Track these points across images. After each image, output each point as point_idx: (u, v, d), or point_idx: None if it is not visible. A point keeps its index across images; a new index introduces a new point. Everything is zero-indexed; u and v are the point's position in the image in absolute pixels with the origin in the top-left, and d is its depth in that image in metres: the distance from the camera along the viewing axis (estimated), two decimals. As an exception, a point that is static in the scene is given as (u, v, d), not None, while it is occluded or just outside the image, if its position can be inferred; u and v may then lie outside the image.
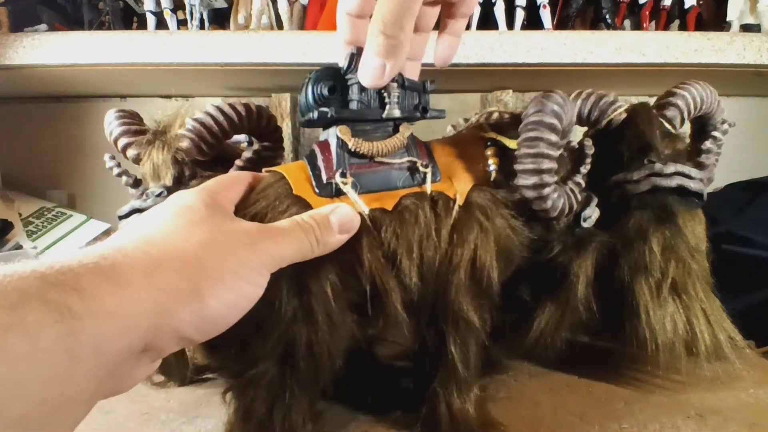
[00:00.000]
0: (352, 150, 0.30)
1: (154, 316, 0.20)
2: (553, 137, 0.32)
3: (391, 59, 0.28)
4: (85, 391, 0.18)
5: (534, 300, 0.37)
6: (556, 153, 0.33)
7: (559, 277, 0.36)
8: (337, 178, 0.29)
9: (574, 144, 0.39)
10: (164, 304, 0.20)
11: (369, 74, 0.28)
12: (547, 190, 0.32)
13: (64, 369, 0.16)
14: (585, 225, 0.37)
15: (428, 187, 0.31)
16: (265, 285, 0.24)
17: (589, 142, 0.37)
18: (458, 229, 0.30)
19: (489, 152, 0.34)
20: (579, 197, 0.36)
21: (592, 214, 0.37)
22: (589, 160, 0.37)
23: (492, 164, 0.34)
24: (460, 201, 0.31)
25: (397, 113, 0.31)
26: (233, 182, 0.30)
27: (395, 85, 0.31)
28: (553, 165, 0.32)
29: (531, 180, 0.32)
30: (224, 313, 0.22)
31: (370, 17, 0.28)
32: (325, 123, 0.32)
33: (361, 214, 0.29)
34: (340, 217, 0.27)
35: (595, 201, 0.37)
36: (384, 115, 0.31)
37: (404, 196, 0.31)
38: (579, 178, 0.36)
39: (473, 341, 0.31)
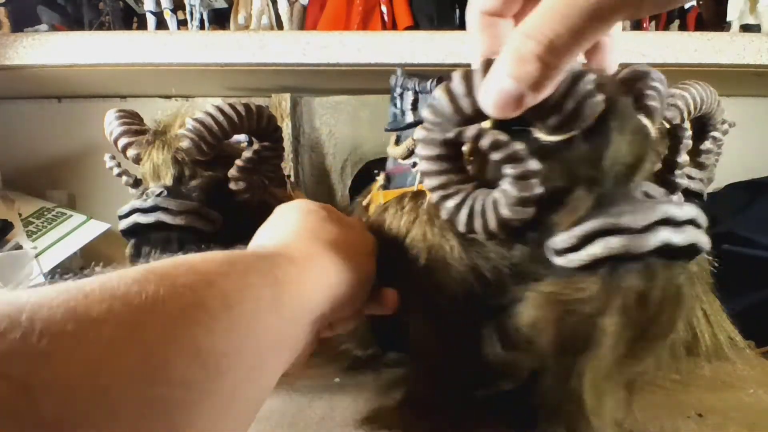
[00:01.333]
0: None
1: (325, 287, 0.26)
2: (433, 135, 0.25)
3: (533, 90, 0.21)
4: (287, 349, 0.23)
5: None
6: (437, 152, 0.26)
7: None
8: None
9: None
10: (329, 279, 0.26)
11: (494, 100, 0.21)
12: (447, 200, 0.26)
13: (275, 326, 0.21)
14: (556, 261, 0.24)
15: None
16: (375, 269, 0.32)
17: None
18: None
19: None
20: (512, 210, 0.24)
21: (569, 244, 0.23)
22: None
23: None
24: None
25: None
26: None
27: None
28: (436, 167, 0.26)
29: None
30: (359, 294, 0.30)
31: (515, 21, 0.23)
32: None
33: None
34: None
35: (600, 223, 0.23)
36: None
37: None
38: (508, 184, 0.24)
39: None
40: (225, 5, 0.66)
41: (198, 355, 0.17)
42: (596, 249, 0.23)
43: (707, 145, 0.43)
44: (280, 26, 0.66)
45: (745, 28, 0.65)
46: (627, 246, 0.22)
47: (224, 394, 0.18)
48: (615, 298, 0.23)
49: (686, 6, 0.65)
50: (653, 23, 0.67)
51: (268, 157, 0.45)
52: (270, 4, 0.66)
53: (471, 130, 0.24)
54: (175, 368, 0.16)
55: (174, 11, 0.64)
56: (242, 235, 0.43)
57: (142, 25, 0.68)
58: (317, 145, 0.74)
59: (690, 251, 0.24)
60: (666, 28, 0.67)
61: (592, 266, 0.23)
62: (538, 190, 0.24)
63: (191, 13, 0.64)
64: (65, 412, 0.13)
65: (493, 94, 0.21)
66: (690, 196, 0.41)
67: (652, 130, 0.25)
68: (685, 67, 0.59)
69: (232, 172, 0.42)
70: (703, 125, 0.45)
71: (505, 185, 0.24)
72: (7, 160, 0.76)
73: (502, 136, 0.24)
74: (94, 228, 0.68)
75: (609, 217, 0.23)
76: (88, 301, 0.15)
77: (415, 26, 0.64)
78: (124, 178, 0.44)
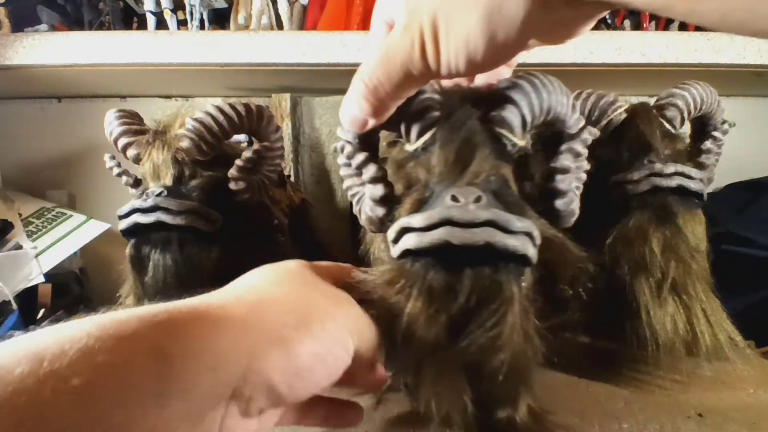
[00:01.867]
0: None
1: (243, 357, 0.19)
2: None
3: (372, 116, 0.27)
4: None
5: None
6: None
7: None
8: None
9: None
10: (252, 348, 0.19)
11: (347, 121, 0.28)
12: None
13: (154, 414, 0.16)
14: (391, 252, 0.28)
15: None
16: (351, 354, 0.23)
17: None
18: None
19: None
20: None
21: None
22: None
23: None
24: None
25: None
26: (336, 266, 0.31)
27: None
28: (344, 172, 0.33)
29: None
30: (312, 366, 0.21)
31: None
32: None
33: None
34: None
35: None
36: None
37: None
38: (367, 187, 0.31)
39: None
40: (225, 5, 0.66)
41: None
42: (401, 243, 0.27)
43: (707, 145, 0.43)
44: (280, 26, 0.66)
45: (745, 28, 0.65)
46: (416, 242, 0.26)
47: None
48: (413, 285, 0.26)
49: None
50: (653, 23, 0.67)
51: (267, 157, 0.45)
52: (270, 4, 0.66)
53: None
54: None
55: (174, 11, 0.64)
56: (242, 235, 0.44)
57: (142, 25, 0.68)
58: (317, 145, 0.74)
59: (521, 257, 0.26)
60: (666, 28, 0.67)
61: (402, 256, 0.27)
62: (380, 191, 0.29)
63: (191, 13, 0.64)
64: None
65: (346, 117, 0.28)
66: (690, 196, 0.41)
67: (511, 138, 0.28)
68: (685, 67, 0.59)
69: (232, 171, 0.42)
70: (703, 125, 0.45)
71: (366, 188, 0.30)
72: (7, 160, 0.76)
73: (350, 148, 0.30)
74: (94, 228, 0.68)
75: (407, 217, 0.27)
76: None
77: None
78: (124, 178, 0.44)
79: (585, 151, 0.31)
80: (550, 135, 0.32)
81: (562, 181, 0.30)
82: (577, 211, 0.31)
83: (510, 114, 0.28)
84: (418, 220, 0.25)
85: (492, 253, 0.25)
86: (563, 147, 0.31)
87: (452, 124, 0.28)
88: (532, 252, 0.26)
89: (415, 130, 0.28)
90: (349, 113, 0.28)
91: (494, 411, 0.29)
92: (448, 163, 0.27)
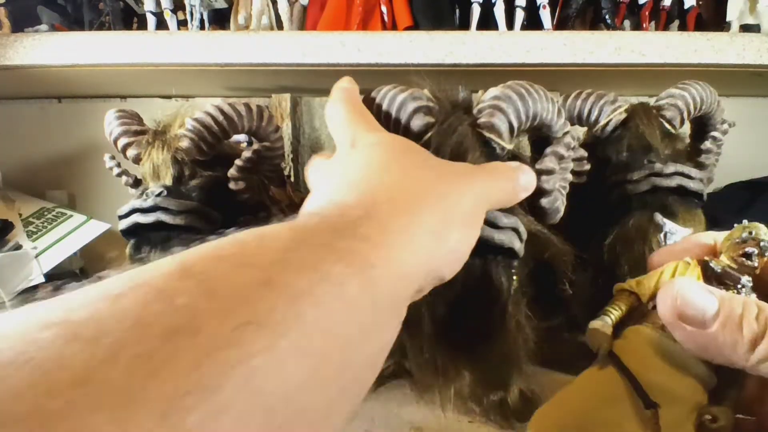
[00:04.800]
0: None
1: (426, 257, 0.20)
2: None
3: None
4: (383, 347, 0.18)
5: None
6: None
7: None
8: None
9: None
10: (428, 245, 0.20)
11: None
12: None
13: (368, 321, 0.16)
14: None
15: None
16: (480, 229, 0.24)
17: None
18: None
19: None
20: None
21: None
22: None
23: None
24: None
25: None
26: None
27: None
28: None
29: None
30: (462, 250, 0.23)
31: None
32: None
33: None
34: (526, 173, 0.28)
35: None
36: None
37: None
38: None
39: None
40: (225, 5, 0.66)
41: (258, 398, 0.12)
42: None
43: (707, 145, 0.43)
44: (280, 26, 0.66)
45: (745, 28, 0.65)
46: None
47: None
48: None
49: (686, 6, 0.65)
50: (653, 23, 0.67)
51: (267, 157, 0.45)
52: (270, 5, 0.66)
53: None
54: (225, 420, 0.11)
55: (174, 11, 0.64)
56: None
57: (142, 26, 0.68)
58: (317, 145, 0.74)
59: (509, 250, 0.29)
60: (666, 28, 0.67)
61: None
62: None
63: (191, 14, 0.64)
64: None
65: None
66: (690, 196, 0.41)
67: (500, 142, 0.30)
68: (684, 67, 0.59)
69: (232, 171, 0.42)
70: (702, 125, 0.45)
71: None
72: (7, 160, 0.75)
73: None
74: (94, 228, 0.68)
75: None
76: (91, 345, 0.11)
77: (415, 26, 0.64)
78: (124, 178, 0.44)
79: (568, 154, 0.33)
80: (538, 138, 0.34)
81: (546, 182, 0.32)
82: (562, 209, 0.34)
83: (498, 121, 0.30)
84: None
85: (482, 247, 0.26)
86: (548, 150, 0.33)
87: (445, 130, 0.30)
88: (518, 245, 0.29)
89: (412, 135, 0.30)
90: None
91: (488, 393, 0.32)
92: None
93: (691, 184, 0.40)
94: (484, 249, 0.27)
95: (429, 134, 0.30)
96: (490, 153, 0.31)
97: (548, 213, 0.33)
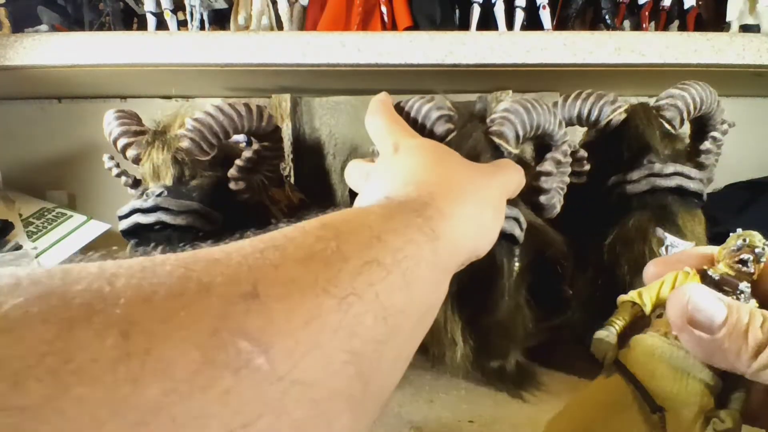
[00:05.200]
0: None
1: (471, 235, 0.26)
2: None
3: None
4: (436, 303, 0.23)
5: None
6: None
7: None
8: None
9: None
10: (472, 226, 0.26)
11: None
12: None
13: (433, 278, 0.22)
14: None
15: None
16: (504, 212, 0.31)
17: None
18: None
19: None
20: None
21: None
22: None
23: None
24: None
25: None
26: None
27: None
28: None
29: None
30: (494, 229, 0.29)
31: None
32: None
33: None
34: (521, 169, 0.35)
35: None
36: None
37: None
38: None
39: None
40: (225, 6, 0.66)
41: (382, 312, 0.18)
42: None
43: (707, 145, 0.43)
44: (280, 27, 0.66)
45: (745, 28, 0.65)
46: None
47: (397, 351, 0.19)
48: None
49: (686, 6, 0.65)
50: (653, 23, 0.67)
51: (267, 157, 0.45)
52: (270, 5, 0.66)
53: None
54: (365, 325, 0.17)
55: (174, 12, 0.64)
56: (242, 236, 0.43)
57: (142, 26, 0.68)
58: (317, 145, 0.74)
59: (510, 236, 0.35)
60: (665, 28, 0.67)
61: None
62: None
63: (191, 14, 0.64)
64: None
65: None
66: (689, 196, 0.41)
67: (507, 147, 0.36)
68: (684, 67, 0.59)
69: (232, 172, 0.42)
70: (702, 125, 0.45)
71: None
72: (7, 160, 0.76)
73: None
74: (95, 228, 0.68)
75: None
76: (279, 256, 0.16)
77: (415, 27, 0.64)
78: (124, 178, 0.44)
79: (565, 159, 0.39)
80: (540, 145, 0.41)
81: (545, 182, 0.38)
82: (558, 206, 0.39)
83: (506, 129, 0.36)
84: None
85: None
86: (548, 155, 0.38)
87: (462, 135, 0.36)
88: (518, 233, 0.35)
89: (435, 139, 0.36)
90: None
91: (488, 361, 0.39)
92: None
93: (691, 185, 0.40)
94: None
95: (449, 138, 0.36)
96: (498, 156, 0.36)
97: (546, 208, 0.39)
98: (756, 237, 0.21)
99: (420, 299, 0.21)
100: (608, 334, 0.23)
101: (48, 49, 0.59)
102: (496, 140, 0.36)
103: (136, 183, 0.44)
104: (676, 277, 0.22)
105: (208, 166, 0.42)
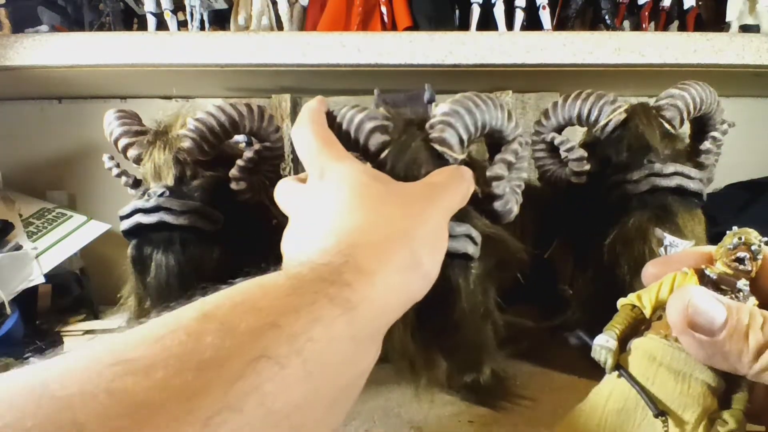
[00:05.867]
0: None
1: (401, 289, 0.23)
2: None
3: None
4: (363, 372, 0.21)
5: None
6: None
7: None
8: None
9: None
10: (402, 279, 0.23)
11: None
12: None
13: (351, 352, 0.19)
14: None
15: None
16: (446, 239, 0.27)
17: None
18: None
19: None
20: None
21: None
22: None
23: None
24: None
25: None
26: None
27: None
28: None
29: None
30: (433, 271, 0.25)
31: None
32: None
33: None
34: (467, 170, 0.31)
35: None
36: None
37: None
38: None
39: None
40: (225, 6, 0.66)
41: (271, 418, 0.15)
42: None
43: (707, 145, 0.43)
44: (280, 27, 0.66)
45: (745, 28, 0.65)
46: None
47: None
48: None
49: (686, 6, 0.65)
50: (653, 23, 0.67)
51: (268, 157, 0.45)
52: (270, 5, 0.66)
53: None
54: None
55: (174, 12, 0.64)
56: (242, 235, 0.44)
57: (143, 26, 0.68)
58: (317, 145, 0.74)
59: (463, 254, 0.33)
60: (665, 28, 0.67)
61: None
62: None
63: (191, 14, 0.64)
64: None
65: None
66: (689, 196, 0.41)
67: (452, 154, 0.33)
68: (684, 67, 0.59)
69: (234, 172, 0.42)
70: (702, 125, 0.45)
71: None
72: (7, 160, 0.76)
73: None
74: (95, 228, 0.68)
75: None
76: (134, 366, 0.14)
77: (415, 27, 0.64)
78: (124, 178, 0.44)
79: (517, 159, 0.36)
80: (493, 142, 0.37)
81: (497, 187, 0.35)
82: (516, 209, 0.36)
83: (448, 135, 0.33)
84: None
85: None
86: (497, 158, 0.36)
87: (401, 146, 0.33)
88: (471, 249, 0.33)
89: (371, 152, 0.33)
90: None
91: (461, 377, 0.37)
92: (399, 179, 0.31)
93: (691, 184, 0.40)
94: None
95: (386, 152, 0.33)
96: (443, 164, 0.33)
97: (501, 215, 0.36)
98: (752, 234, 0.21)
99: (330, 384, 0.18)
100: (608, 339, 0.22)
101: (48, 49, 0.59)
102: (439, 148, 0.33)
103: (137, 183, 0.44)
104: (675, 278, 0.22)
105: (209, 166, 0.42)
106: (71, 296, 0.69)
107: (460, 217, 0.32)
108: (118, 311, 0.45)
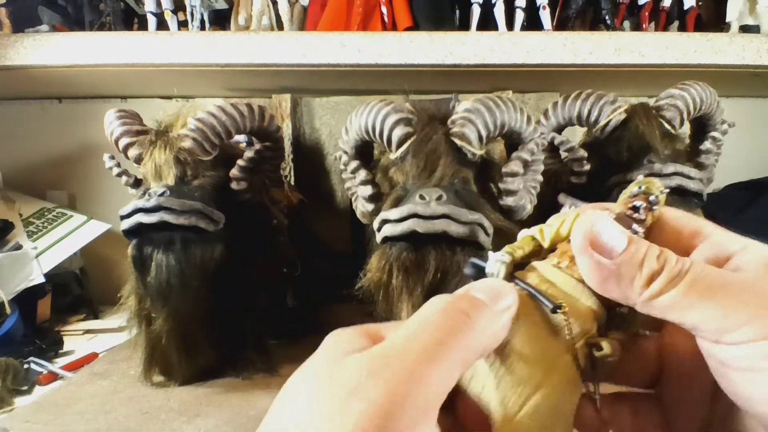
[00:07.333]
0: None
1: None
2: None
3: None
4: None
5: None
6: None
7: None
8: None
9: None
10: None
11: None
12: None
13: None
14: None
15: None
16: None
17: None
18: None
19: None
20: None
21: None
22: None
23: None
24: None
25: None
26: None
27: None
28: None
29: None
30: None
31: None
32: None
33: None
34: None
35: None
36: None
37: None
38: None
39: None
40: (225, 6, 0.66)
41: None
42: (382, 232, 0.34)
43: (707, 145, 0.44)
44: (280, 27, 0.66)
45: (745, 28, 0.65)
46: (391, 231, 0.33)
47: None
48: (392, 264, 0.34)
49: (686, 6, 0.65)
50: (653, 24, 0.67)
51: (268, 157, 0.45)
52: (270, 5, 0.66)
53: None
54: None
55: (175, 12, 0.64)
56: (243, 235, 0.44)
57: (143, 26, 0.68)
58: (317, 145, 0.74)
59: (474, 242, 0.33)
60: (665, 28, 0.67)
61: (384, 242, 0.35)
62: (369, 191, 0.38)
63: (192, 14, 0.65)
64: None
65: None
66: (689, 196, 0.41)
67: (470, 149, 0.35)
68: (684, 67, 0.59)
69: (234, 171, 0.42)
70: (702, 125, 0.46)
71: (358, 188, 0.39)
72: (7, 160, 0.76)
73: (346, 157, 0.40)
74: (95, 228, 0.68)
75: (385, 212, 0.34)
76: None
77: (415, 27, 0.64)
78: (124, 178, 0.44)
79: (533, 158, 0.38)
80: (511, 143, 0.39)
81: (512, 183, 0.36)
82: (529, 207, 0.38)
83: (468, 131, 0.35)
84: (393, 213, 0.33)
85: (450, 239, 0.32)
86: (513, 155, 0.37)
87: (422, 138, 0.35)
88: (483, 238, 0.33)
89: (394, 143, 0.36)
90: None
91: None
92: (419, 169, 0.35)
93: (691, 184, 0.40)
94: (452, 241, 0.32)
95: (408, 142, 0.35)
96: (462, 158, 0.36)
97: (514, 210, 0.38)
98: (654, 185, 0.21)
99: None
100: (503, 254, 0.23)
101: (48, 49, 0.59)
102: (458, 142, 0.35)
103: (137, 183, 0.44)
104: (577, 216, 0.23)
105: (209, 166, 0.42)
106: (71, 296, 0.69)
107: (474, 206, 0.34)
108: (118, 311, 0.44)
